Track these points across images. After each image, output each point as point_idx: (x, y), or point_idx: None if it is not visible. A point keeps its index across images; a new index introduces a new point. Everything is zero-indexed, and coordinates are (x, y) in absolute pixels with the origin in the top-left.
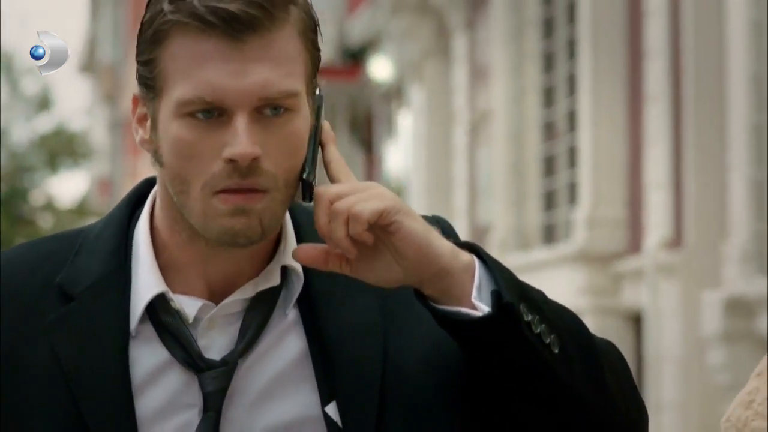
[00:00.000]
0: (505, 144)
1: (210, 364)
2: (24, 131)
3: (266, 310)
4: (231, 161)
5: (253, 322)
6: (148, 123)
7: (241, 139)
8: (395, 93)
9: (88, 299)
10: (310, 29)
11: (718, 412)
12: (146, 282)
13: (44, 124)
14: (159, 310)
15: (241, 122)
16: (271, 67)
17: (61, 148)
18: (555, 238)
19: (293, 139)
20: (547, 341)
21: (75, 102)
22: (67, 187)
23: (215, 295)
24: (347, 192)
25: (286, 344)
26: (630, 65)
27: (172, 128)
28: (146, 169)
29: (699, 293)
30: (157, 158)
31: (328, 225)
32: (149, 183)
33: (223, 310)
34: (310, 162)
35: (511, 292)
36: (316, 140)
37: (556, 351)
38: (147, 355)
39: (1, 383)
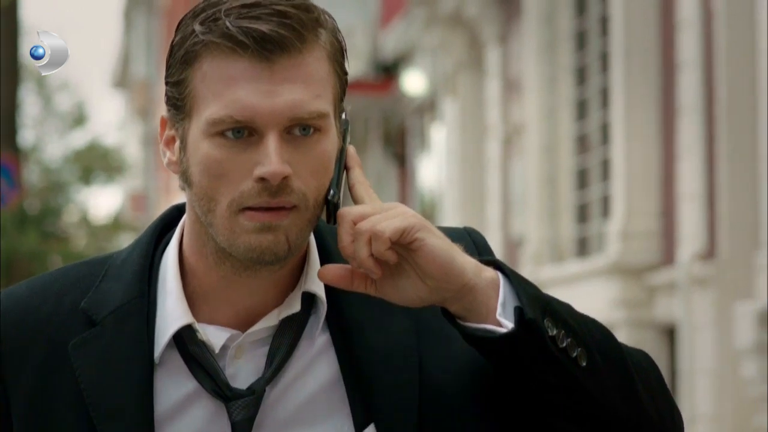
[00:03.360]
0: (539, 157)
1: (237, 393)
2: (57, 147)
3: (293, 337)
4: (261, 180)
5: (280, 349)
6: (177, 144)
7: (272, 158)
8: (428, 106)
9: (111, 325)
10: (339, 53)
11: (752, 424)
12: (173, 311)
13: (78, 139)
14: (186, 339)
15: (271, 142)
16: (301, 88)
17: (95, 163)
18: (588, 250)
19: (322, 160)
20: (574, 355)
21: (108, 117)
22: (101, 203)
23: (241, 322)
24: (370, 212)
25: (316, 370)
26: (663, 77)
27: (202, 147)
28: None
29: (732, 305)
30: (186, 179)
31: (352, 245)
32: (178, 210)
33: (249, 338)
34: (335, 183)
35: (533, 307)
36: (342, 163)
37: (584, 364)
38: (174, 385)
39: (32, 411)
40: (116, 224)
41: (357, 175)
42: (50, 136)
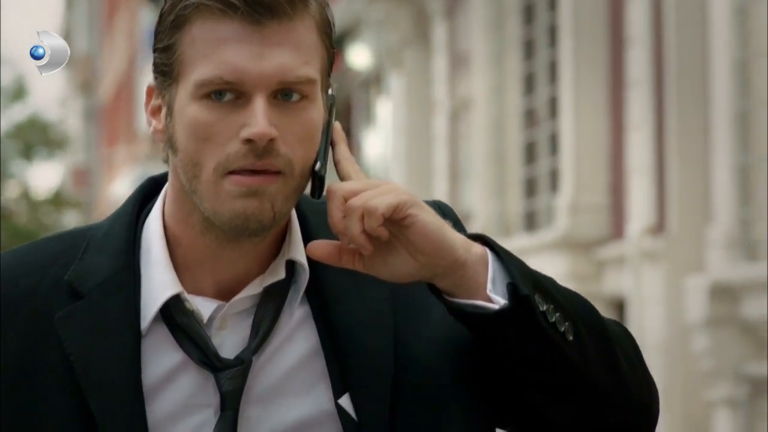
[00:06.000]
0: (486, 131)
1: (227, 363)
2: None
3: (276, 306)
4: (248, 141)
5: (265, 318)
6: (163, 111)
7: (259, 119)
8: (374, 81)
9: (98, 297)
10: (327, 25)
11: (702, 399)
12: (161, 281)
13: (18, 114)
14: (173, 310)
15: (259, 104)
16: (290, 53)
17: (36, 138)
18: (537, 225)
19: (308, 127)
20: (562, 330)
21: (50, 92)
22: (43, 178)
23: (223, 293)
24: (361, 188)
25: (298, 339)
26: (611, 51)
27: (189, 111)
28: (122, 158)
29: (682, 279)
30: (171, 145)
31: (343, 221)
32: (155, 181)
33: (232, 308)
34: (322, 156)
35: (526, 283)
36: (328, 136)
37: (571, 338)
38: (160, 356)
39: (14, 384)
40: (58, 199)
41: (343, 150)
42: None
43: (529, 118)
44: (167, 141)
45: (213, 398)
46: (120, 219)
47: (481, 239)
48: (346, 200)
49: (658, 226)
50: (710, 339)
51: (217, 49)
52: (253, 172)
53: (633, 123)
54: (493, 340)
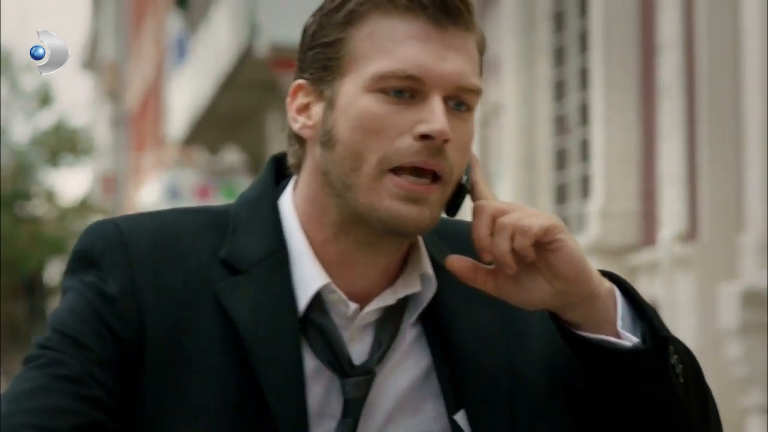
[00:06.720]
0: (517, 137)
1: (357, 370)
2: (25, 128)
3: (397, 320)
4: (423, 138)
5: (386, 332)
6: (319, 106)
7: (438, 116)
8: None
9: (258, 275)
10: (483, 50)
11: (735, 406)
12: (309, 272)
13: (45, 120)
14: (311, 308)
15: (437, 103)
16: (466, 61)
17: (62, 144)
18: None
19: (468, 139)
20: (678, 371)
21: (77, 98)
22: (70, 185)
23: (351, 300)
24: (510, 209)
25: (414, 356)
26: (642, 58)
27: (360, 103)
28: (149, 165)
29: (714, 286)
30: (328, 139)
31: (489, 238)
32: (278, 162)
33: (363, 319)
34: (468, 171)
35: (661, 325)
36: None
37: (682, 381)
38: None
39: (172, 332)
40: (85, 206)
41: (479, 172)
42: (17, 117)
43: (560, 124)
44: (323, 135)
45: (336, 404)
46: (263, 202)
47: (608, 275)
48: (494, 218)
49: (690, 233)
50: (743, 346)
51: (400, 45)
52: (417, 173)
53: (664, 129)
54: (614, 377)
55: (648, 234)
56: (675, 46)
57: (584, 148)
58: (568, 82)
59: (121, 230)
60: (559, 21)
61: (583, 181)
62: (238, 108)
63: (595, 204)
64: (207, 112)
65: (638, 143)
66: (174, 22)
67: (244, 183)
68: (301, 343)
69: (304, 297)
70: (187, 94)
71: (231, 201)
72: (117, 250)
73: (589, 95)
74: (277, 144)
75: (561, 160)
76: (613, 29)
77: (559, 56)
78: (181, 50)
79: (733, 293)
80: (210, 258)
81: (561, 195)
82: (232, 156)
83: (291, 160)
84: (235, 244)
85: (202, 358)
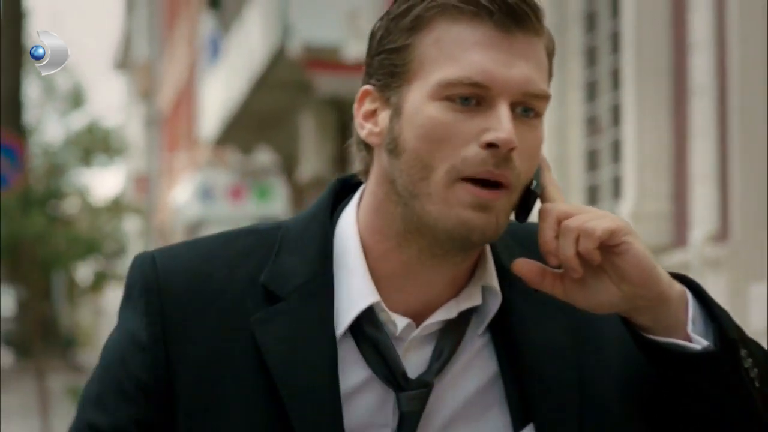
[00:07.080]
0: (548, 138)
1: (413, 384)
2: (58, 129)
3: (461, 331)
4: (489, 146)
5: (448, 342)
6: (386, 113)
7: (505, 125)
8: None
9: (296, 301)
10: (552, 55)
11: None
12: (358, 289)
13: (78, 121)
14: (363, 321)
15: (504, 110)
16: (534, 67)
17: (96, 145)
18: None
19: (536, 145)
20: (752, 375)
21: (110, 99)
22: (103, 185)
23: (411, 312)
24: (575, 211)
25: (478, 367)
26: (674, 58)
27: (426, 110)
28: (182, 165)
29: (746, 287)
30: (395, 147)
31: (555, 241)
32: (345, 183)
33: (423, 330)
34: (538, 176)
35: (731, 327)
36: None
37: (758, 384)
38: (346, 369)
39: (204, 374)
40: (118, 206)
41: (549, 176)
42: (50, 117)
43: (591, 125)
44: (390, 142)
45: (391, 418)
46: (315, 220)
47: (679, 278)
48: (559, 221)
49: (722, 234)
50: None
51: (466, 52)
52: (486, 183)
53: (696, 130)
54: (686, 381)
55: (679, 235)
56: (706, 46)
57: (616, 148)
58: (599, 83)
59: (157, 271)
60: (590, 22)
61: (614, 182)
62: (270, 108)
63: (626, 205)
64: (239, 113)
65: (669, 144)
66: (207, 23)
67: (276, 183)
68: (336, 366)
69: (349, 315)
70: (219, 94)
71: (263, 202)
72: (151, 295)
73: (621, 96)
74: (309, 145)
75: (592, 160)
76: (645, 29)
77: (590, 57)
78: (214, 50)
79: (764, 294)
80: (248, 286)
81: (592, 196)
82: (264, 156)
83: (359, 167)
84: (277, 266)
85: (235, 394)
